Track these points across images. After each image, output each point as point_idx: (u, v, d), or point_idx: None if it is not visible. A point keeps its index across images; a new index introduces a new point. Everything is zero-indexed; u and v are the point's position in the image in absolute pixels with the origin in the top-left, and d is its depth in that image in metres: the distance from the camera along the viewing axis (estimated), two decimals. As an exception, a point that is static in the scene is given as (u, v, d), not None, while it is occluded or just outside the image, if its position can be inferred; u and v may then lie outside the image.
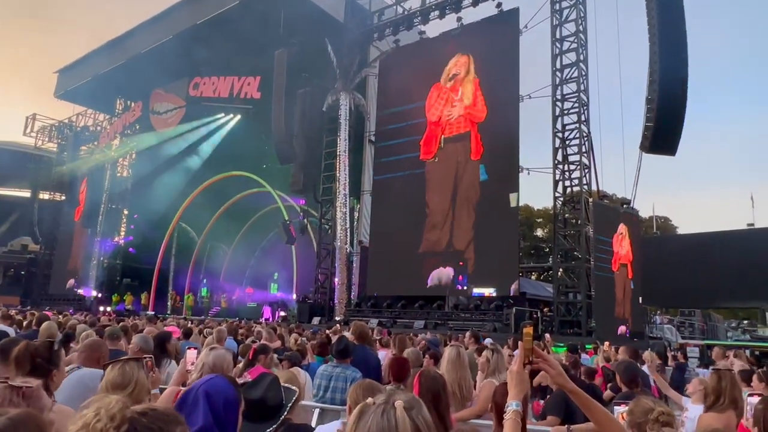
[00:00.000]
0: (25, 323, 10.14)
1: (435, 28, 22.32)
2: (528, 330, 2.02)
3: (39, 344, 3.17)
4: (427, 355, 6.06)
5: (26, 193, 47.25)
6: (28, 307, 26.86)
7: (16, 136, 46.17)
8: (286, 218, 27.83)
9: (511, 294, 17.90)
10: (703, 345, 15.00)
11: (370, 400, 1.27)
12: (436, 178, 20.75)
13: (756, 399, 2.22)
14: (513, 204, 18.39)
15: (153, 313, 26.48)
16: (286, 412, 2.31)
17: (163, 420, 1.18)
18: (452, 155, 20.37)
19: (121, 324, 9.61)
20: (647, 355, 6.41)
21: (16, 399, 1.85)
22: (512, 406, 1.85)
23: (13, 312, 12.48)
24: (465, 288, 18.86)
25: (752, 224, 23.62)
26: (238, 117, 31.77)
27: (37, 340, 3.49)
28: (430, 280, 19.97)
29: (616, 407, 2.68)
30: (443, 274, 19.61)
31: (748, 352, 12.93)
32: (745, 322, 31.04)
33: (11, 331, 7.13)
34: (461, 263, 19.05)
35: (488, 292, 18.28)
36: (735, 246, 18.87)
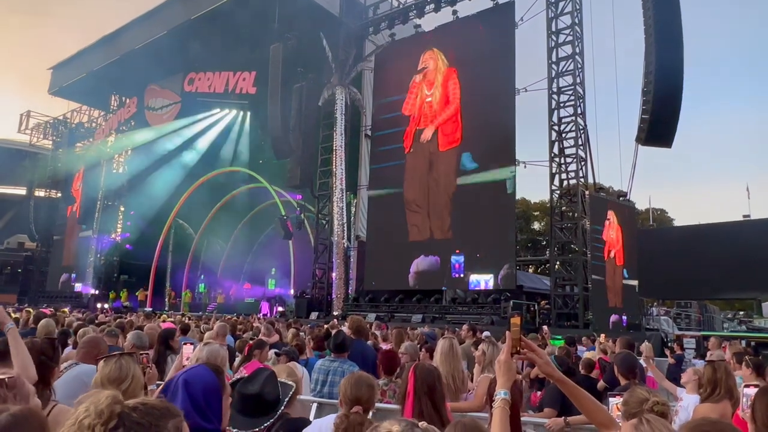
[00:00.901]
0: (22, 321, 10.14)
1: (431, 21, 22.26)
2: (515, 320, 2.06)
3: (42, 342, 3.21)
4: (423, 349, 6.09)
5: (22, 191, 47.14)
6: (25, 305, 26.84)
7: (11, 133, 46.08)
8: (283, 213, 27.82)
9: (502, 274, 17.95)
10: (700, 336, 15.08)
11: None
12: (411, 169, 21.23)
13: (752, 390, 2.22)
14: (509, 191, 18.45)
15: (151, 309, 26.50)
16: (283, 407, 2.32)
17: (154, 414, 1.17)
18: (425, 146, 20.85)
19: (117, 321, 9.62)
20: (644, 346, 6.44)
21: (1, 391, 1.86)
22: (500, 394, 1.89)
23: (10, 310, 12.50)
24: (462, 275, 18.93)
25: (748, 215, 23.71)
26: (234, 112, 31.71)
27: (37, 338, 3.50)
28: (413, 267, 20.28)
29: (610, 398, 2.71)
30: (426, 262, 19.93)
31: (744, 342, 13.02)
32: (741, 313, 31.23)
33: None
34: (457, 251, 19.17)
35: (485, 279, 18.31)
36: (731, 237, 18.98)
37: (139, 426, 1.12)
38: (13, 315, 10.85)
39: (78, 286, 35.13)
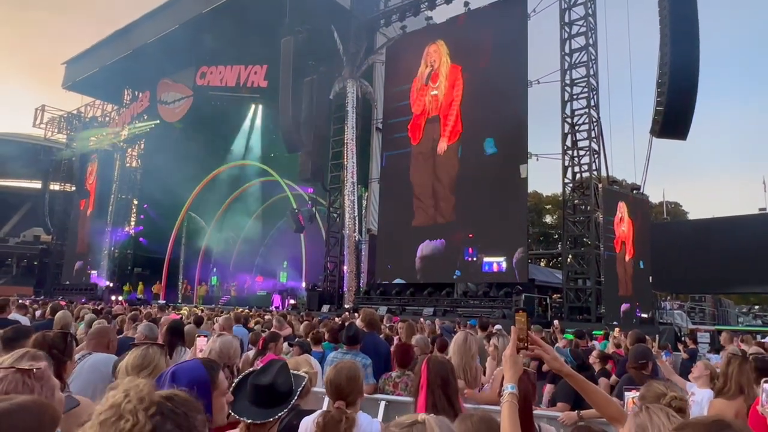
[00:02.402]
0: (38, 313, 10.28)
1: (442, 13, 22.12)
2: (520, 316, 2.06)
3: (55, 335, 3.22)
4: (436, 342, 6.10)
5: (37, 185, 47.67)
6: (42, 297, 27.22)
7: (26, 128, 46.57)
8: (295, 207, 27.91)
9: (517, 257, 17.88)
10: (714, 330, 14.95)
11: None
12: (418, 157, 21.41)
13: None
14: (523, 175, 18.33)
15: (164, 302, 26.78)
16: (295, 398, 2.33)
17: (187, 405, 1.21)
18: (431, 136, 21.00)
19: (132, 313, 9.72)
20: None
21: (29, 381, 1.88)
22: (508, 389, 1.90)
23: (27, 302, 12.66)
24: (475, 259, 18.90)
25: (764, 209, 23.40)
26: (248, 107, 31.84)
27: (51, 331, 3.54)
28: (419, 251, 20.35)
29: (626, 393, 2.68)
30: (431, 246, 20.06)
31: (759, 336, 12.88)
32: (757, 307, 30.92)
33: (26, 321, 7.23)
34: (470, 235, 19.21)
35: (497, 261, 18.27)
36: (747, 231, 18.74)
37: (174, 415, 1.16)
38: (31, 307, 11.02)
39: (93, 274, 35.52)
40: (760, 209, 23.02)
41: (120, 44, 32.41)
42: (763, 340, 11.34)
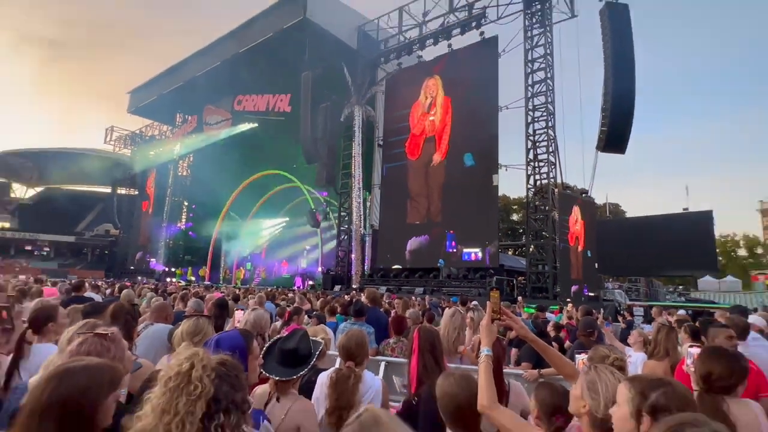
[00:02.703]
0: (107, 291, 10.27)
1: (430, 52, 22.13)
2: (494, 293, 2.08)
3: (128, 306, 3.30)
4: (425, 316, 6.09)
5: (107, 189, 47.83)
6: (111, 279, 27.23)
7: (99, 144, 46.68)
8: (312, 207, 27.95)
9: (491, 252, 17.92)
10: (647, 305, 14.95)
11: None
12: (415, 168, 21.39)
13: (695, 350, 2.19)
14: (495, 183, 18.36)
15: (209, 282, 26.80)
16: (314, 359, 2.34)
17: (236, 368, 1.26)
18: (428, 151, 20.97)
19: (183, 291, 9.72)
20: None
21: (105, 343, 1.87)
22: (484, 351, 1.90)
23: (99, 283, 12.69)
24: (455, 250, 18.89)
25: (687, 208, 23.37)
26: (274, 127, 31.76)
27: (126, 302, 3.59)
28: (408, 245, 20.40)
29: (577, 355, 2.68)
30: (418, 242, 20.15)
31: (682, 311, 12.87)
32: (681, 287, 30.93)
33: (98, 298, 7.24)
34: (451, 231, 19.17)
35: (474, 251, 18.23)
36: (673, 226, 18.75)
37: (228, 377, 1.19)
38: (102, 287, 11.04)
39: (152, 261, 35.62)
40: (683, 209, 22.97)
41: (174, 77, 32.45)
42: (684, 312, 11.32)
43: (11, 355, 2.49)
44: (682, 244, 18.21)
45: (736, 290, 29.74)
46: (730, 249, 55.42)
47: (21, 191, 58.85)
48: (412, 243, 20.43)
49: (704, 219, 17.76)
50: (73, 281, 9.23)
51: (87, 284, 8.38)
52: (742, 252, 55.64)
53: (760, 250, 51.71)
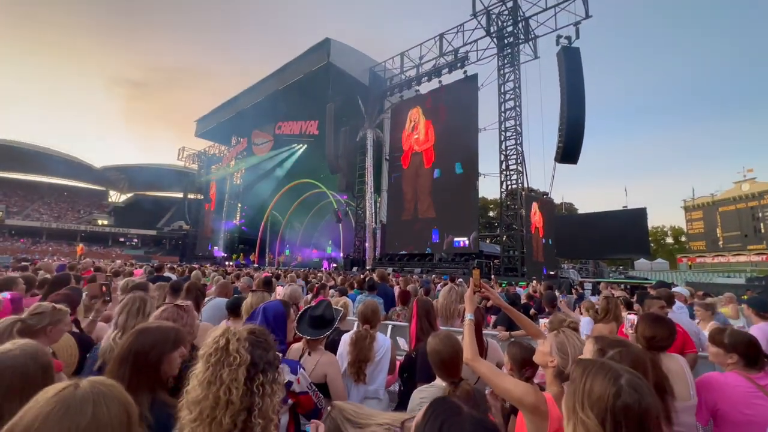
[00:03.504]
0: (181, 271, 10.37)
1: (425, 87, 21.99)
2: (476, 271, 2.05)
3: (198, 282, 3.31)
4: (422, 289, 6.07)
5: (180, 195, 48.28)
6: (183, 263, 27.54)
7: (173, 160, 47.12)
8: (336, 207, 27.97)
9: (473, 237, 17.83)
10: (595, 282, 14.78)
11: None
12: (408, 176, 21.37)
13: (633, 316, 2.16)
14: (476, 188, 18.29)
15: (257, 265, 26.97)
16: (336, 323, 2.34)
17: (264, 334, 1.23)
18: (416, 163, 20.99)
19: (237, 272, 9.78)
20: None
21: (180, 312, 1.90)
22: (468, 317, 1.87)
23: (175, 266, 12.84)
24: (438, 241, 18.89)
25: (626, 206, 23.05)
26: (305, 146, 31.89)
27: (197, 281, 3.63)
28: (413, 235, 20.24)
29: (540, 319, 2.65)
30: (418, 232, 20.01)
31: (623, 286, 12.71)
32: (621, 267, 30.50)
33: (174, 277, 7.33)
34: (435, 227, 19.27)
35: (463, 239, 18.08)
36: (615, 220, 18.41)
37: (258, 342, 1.17)
38: (177, 269, 11.16)
39: (215, 249, 35.92)
40: (623, 206, 22.63)
41: (229, 108, 32.60)
42: (623, 287, 11.18)
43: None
44: (621, 234, 17.89)
45: (664, 269, 29.31)
46: (659, 238, 54.61)
47: (116, 197, 59.65)
48: (414, 233, 20.36)
49: (639, 214, 17.38)
50: (155, 264, 9.35)
51: (165, 267, 8.47)
52: (670, 240, 54.82)
53: (683, 239, 50.93)
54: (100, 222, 52.15)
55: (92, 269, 7.47)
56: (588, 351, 1.46)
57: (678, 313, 3.85)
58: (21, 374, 1.09)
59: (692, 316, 4.32)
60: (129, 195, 59.18)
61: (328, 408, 1.09)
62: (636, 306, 3.89)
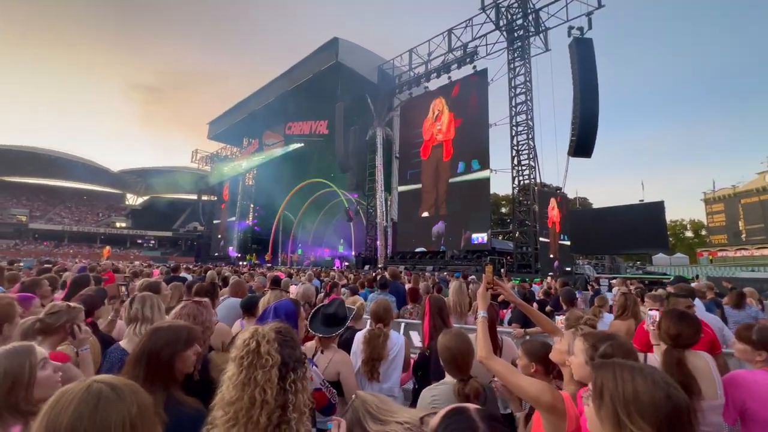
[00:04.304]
0: (196, 272, 10.55)
1: (434, 83, 21.84)
2: (488, 267, 2.02)
3: (207, 285, 3.32)
4: (435, 288, 6.03)
5: (194, 197, 49.14)
6: (198, 263, 28.05)
7: (187, 162, 48.00)
8: (346, 206, 28.04)
9: (488, 234, 17.65)
10: (611, 277, 14.44)
11: None
12: (426, 170, 20.99)
13: (654, 312, 2.08)
14: (488, 184, 18.18)
15: (270, 264, 27.28)
16: (348, 321, 2.33)
17: (290, 332, 1.25)
18: (436, 155, 20.59)
19: (251, 271, 9.90)
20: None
21: (199, 308, 1.92)
22: (481, 314, 1.84)
23: (191, 266, 13.08)
24: (467, 234, 18.49)
25: (642, 200, 22.45)
26: (315, 146, 32.05)
27: (205, 282, 3.64)
28: (434, 229, 19.99)
29: (556, 317, 2.59)
30: (439, 227, 19.71)
31: (640, 281, 12.40)
32: (638, 262, 29.81)
33: (190, 277, 7.45)
34: (443, 221, 19.14)
35: (481, 236, 17.87)
36: (632, 214, 17.99)
37: (285, 340, 1.18)
38: (192, 269, 11.36)
39: (229, 249, 36.41)
40: (640, 200, 22.05)
41: (240, 110, 32.98)
42: (640, 283, 10.91)
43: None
44: (639, 228, 17.44)
45: (684, 264, 28.52)
46: (678, 231, 53.16)
47: (133, 199, 61.13)
48: (428, 230, 20.20)
49: (657, 207, 16.92)
50: (171, 265, 9.53)
51: (181, 267, 8.63)
52: (689, 233, 53.31)
53: (704, 232, 49.45)
54: (118, 224, 53.52)
55: (111, 270, 7.66)
56: (579, 349, 1.45)
57: (698, 309, 3.73)
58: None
59: (711, 311, 4.22)
60: (145, 197, 60.54)
61: (353, 396, 1.12)
62: (647, 301, 3.78)
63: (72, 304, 2.03)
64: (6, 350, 1.18)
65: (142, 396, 0.86)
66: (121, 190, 59.93)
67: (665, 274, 17.30)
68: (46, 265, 7.89)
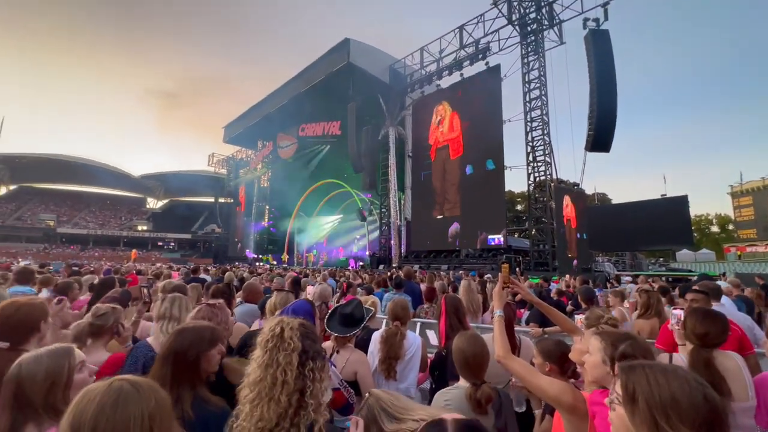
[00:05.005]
0: (214, 272, 10.79)
1: (446, 81, 21.65)
2: (504, 266, 1.99)
3: (223, 286, 3.38)
4: (450, 287, 6.00)
5: (211, 199, 50.06)
6: (217, 265, 28.62)
7: (203, 166, 48.99)
8: (360, 206, 28.14)
9: (503, 233, 17.40)
10: (633, 275, 14.05)
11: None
12: (434, 171, 20.99)
13: (678, 311, 2.02)
14: (503, 181, 17.84)
15: (286, 265, 27.62)
16: (366, 321, 2.34)
17: (311, 326, 1.30)
18: (442, 156, 20.56)
19: (268, 272, 10.03)
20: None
21: (214, 310, 1.98)
22: (497, 313, 1.83)
23: (209, 268, 13.37)
24: (482, 235, 18.21)
25: (665, 194, 21.75)
26: (328, 147, 32.24)
27: (222, 284, 3.71)
28: (450, 230, 19.79)
29: (576, 316, 2.55)
30: (454, 227, 19.54)
31: (664, 278, 12.03)
32: (661, 259, 28.90)
33: (208, 278, 7.62)
34: (456, 224, 18.96)
35: (497, 237, 17.59)
36: (654, 208, 17.45)
37: (307, 333, 1.23)
38: (211, 270, 11.62)
39: (247, 251, 37.02)
40: (662, 195, 21.38)
41: (255, 113, 33.42)
42: (663, 281, 10.57)
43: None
44: (661, 224, 16.91)
45: (710, 260, 27.46)
46: (704, 226, 51.25)
47: (153, 203, 62.86)
48: (442, 230, 20.03)
49: (680, 201, 16.36)
50: (191, 267, 9.77)
51: (201, 269, 8.84)
52: (715, 228, 51.34)
53: (731, 227, 47.52)
54: (139, 228, 55.12)
55: (134, 272, 7.92)
56: (595, 348, 1.40)
57: (727, 307, 3.60)
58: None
59: (740, 309, 4.07)
60: (165, 201, 62.16)
61: (366, 395, 1.17)
62: (679, 300, 3.66)
63: (114, 305, 2.14)
64: (48, 351, 1.24)
65: (160, 392, 0.91)
66: (141, 194, 61.71)
67: (690, 271, 16.75)
68: (74, 268, 8.21)
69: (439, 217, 20.38)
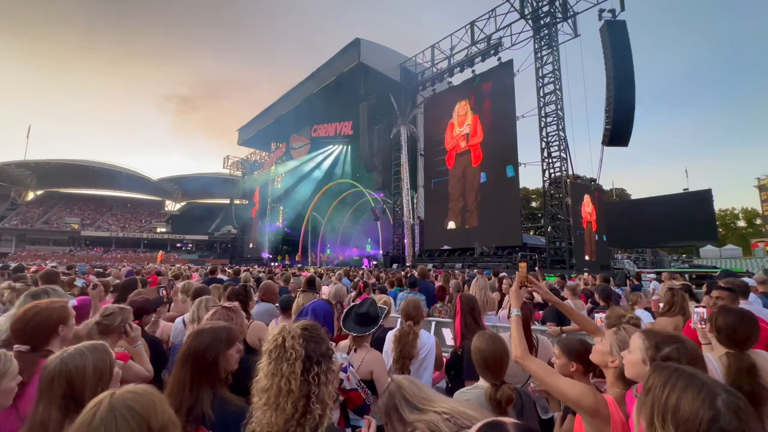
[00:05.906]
0: (231, 272, 10.96)
1: (458, 78, 21.45)
2: (522, 265, 1.96)
3: (239, 287, 3.41)
4: (465, 285, 5.95)
5: (226, 201, 50.96)
6: (233, 265, 29.12)
7: (219, 168, 49.86)
8: (373, 205, 28.17)
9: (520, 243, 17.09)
10: (655, 272, 13.64)
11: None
12: (453, 176, 20.49)
13: (702, 309, 1.95)
14: (510, 175, 17.51)
15: (301, 265, 27.88)
16: (381, 320, 2.34)
17: (316, 328, 1.29)
18: (463, 162, 20.02)
19: (284, 273, 10.13)
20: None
21: (229, 313, 2.01)
22: (515, 312, 1.81)
23: (226, 268, 13.61)
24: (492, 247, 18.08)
25: (687, 189, 21.04)
26: (340, 147, 32.37)
27: (239, 284, 3.76)
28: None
29: (595, 314, 2.49)
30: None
31: (687, 275, 11.64)
32: (684, 255, 27.96)
33: (225, 278, 7.75)
34: (488, 233, 18.47)
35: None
36: (675, 203, 16.91)
37: (311, 336, 1.24)
38: (227, 271, 11.82)
39: (262, 252, 37.55)
40: (684, 189, 20.68)
41: (268, 116, 33.83)
42: (686, 279, 10.24)
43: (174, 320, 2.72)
44: (684, 219, 16.38)
45: (737, 256, 26.40)
46: (729, 221, 49.36)
47: (171, 206, 64.41)
48: (457, 233, 19.80)
49: (704, 196, 15.81)
50: (209, 267, 9.97)
51: (218, 269, 9.01)
52: (741, 223, 49.37)
53: (758, 221, 45.61)
54: (158, 230, 56.59)
55: (155, 273, 8.13)
56: (637, 347, 1.32)
57: (755, 305, 3.46)
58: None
59: (765, 306, 3.92)
60: (182, 203, 63.63)
61: (388, 379, 1.16)
62: (706, 298, 3.53)
63: (122, 305, 2.18)
64: (88, 347, 1.26)
65: (165, 404, 0.96)
66: (160, 197, 63.31)
67: (715, 268, 16.16)
68: (97, 270, 8.48)
69: (451, 225, 20.07)
